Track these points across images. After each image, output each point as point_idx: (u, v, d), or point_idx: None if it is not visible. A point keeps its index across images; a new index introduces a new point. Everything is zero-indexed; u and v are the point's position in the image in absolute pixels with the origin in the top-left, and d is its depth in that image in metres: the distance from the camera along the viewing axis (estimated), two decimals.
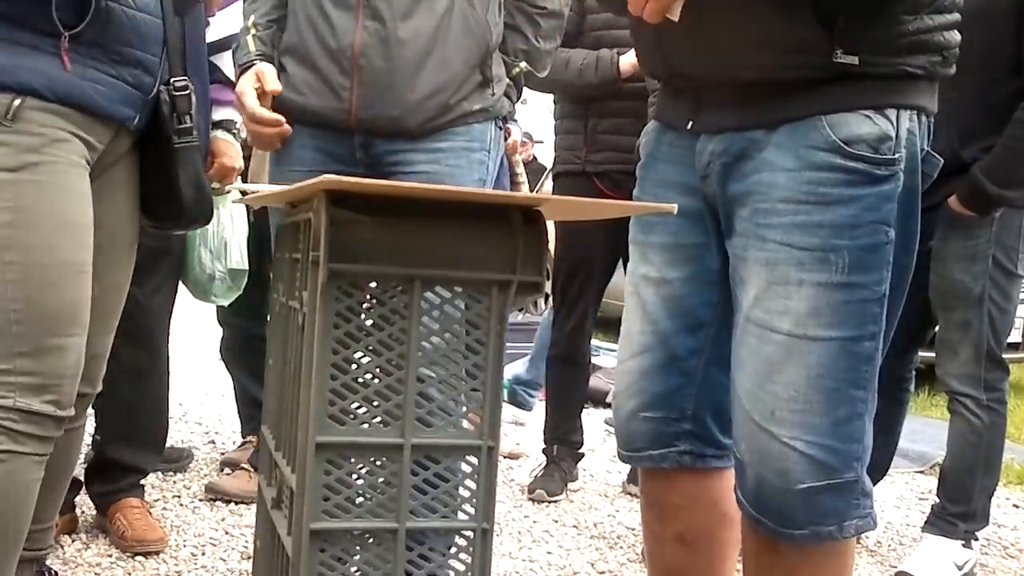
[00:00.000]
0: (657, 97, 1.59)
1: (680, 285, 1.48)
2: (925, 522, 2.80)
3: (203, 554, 2.44)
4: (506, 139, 3.65)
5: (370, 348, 1.23)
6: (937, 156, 1.40)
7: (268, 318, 1.61)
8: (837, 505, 1.34)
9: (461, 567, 1.27)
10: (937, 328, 2.82)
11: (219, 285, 2.56)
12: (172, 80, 1.72)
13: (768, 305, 1.34)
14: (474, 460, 1.26)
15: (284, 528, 1.30)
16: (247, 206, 2.57)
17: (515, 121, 3.33)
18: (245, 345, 3.00)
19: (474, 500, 1.26)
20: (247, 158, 2.60)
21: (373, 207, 1.19)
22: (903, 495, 3.55)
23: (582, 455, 3.41)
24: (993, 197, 2.54)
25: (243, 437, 3.15)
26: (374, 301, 1.23)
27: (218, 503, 2.81)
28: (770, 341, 1.34)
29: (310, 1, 1.93)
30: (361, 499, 1.24)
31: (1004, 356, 2.70)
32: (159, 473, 3.01)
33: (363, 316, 1.22)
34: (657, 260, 1.50)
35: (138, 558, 2.36)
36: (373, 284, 1.22)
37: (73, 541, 2.45)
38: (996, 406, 2.68)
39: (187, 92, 1.73)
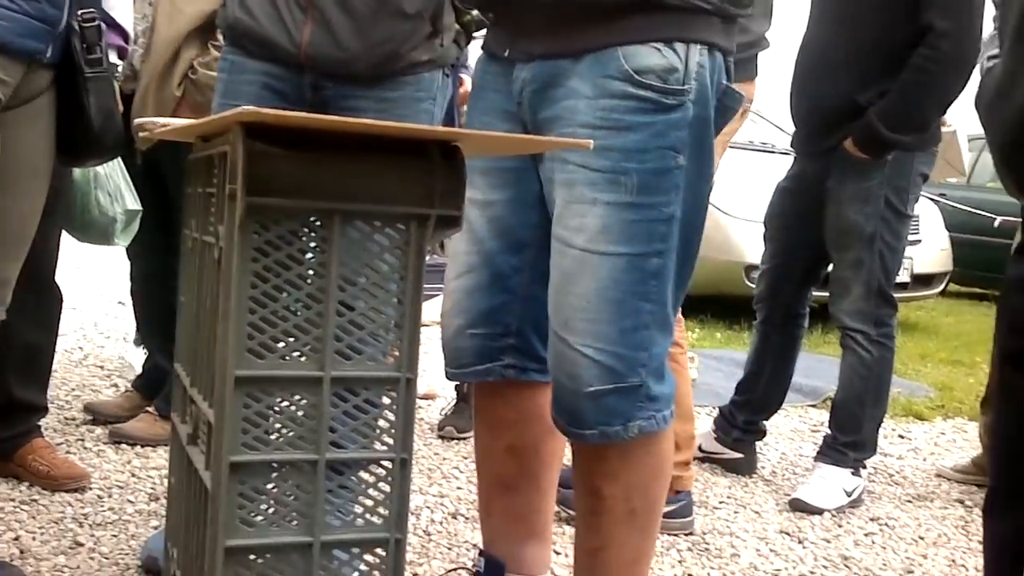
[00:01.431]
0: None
1: (502, 207, 1.57)
2: (817, 452, 2.94)
3: (110, 496, 2.40)
4: (459, 87, 3.61)
5: (289, 282, 1.23)
6: (739, 92, 1.50)
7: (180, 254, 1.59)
8: (622, 407, 1.44)
9: (380, 496, 1.29)
10: (830, 267, 2.94)
11: (119, 227, 2.53)
12: (80, 12, 1.72)
13: (567, 222, 1.44)
14: (393, 392, 1.28)
15: (202, 463, 1.30)
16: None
17: (467, 68, 3.27)
18: (152, 282, 2.96)
19: (393, 431, 1.28)
20: (129, 96, 2.59)
21: (291, 141, 1.18)
22: (796, 428, 3.71)
23: None
24: (887, 140, 2.64)
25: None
26: (293, 235, 1.22)
27: (123, 446, 2.77)
28: (567, 255, 1.44)
29: None
30: (277, 433, 1.25)
31: (893, 294, 2.84)
32: (61, 417, 2.95)
33: (281, 250, 1.22)
34: (481, 183, 1.57)
35: (42, 502, 2.32)
36: (291, 217, 1.22)
37: None
38: (885, 341, 2.82)
39: (95, 23, 1.75)
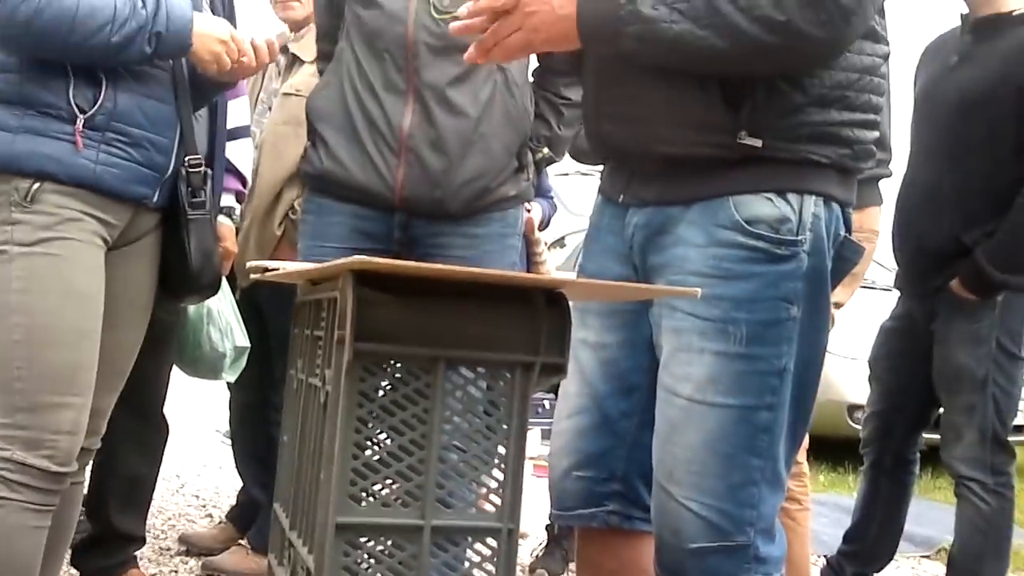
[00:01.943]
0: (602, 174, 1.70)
1: (616, 349, 1.54)
2: None
3: None
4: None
5: (392, 428, 1.22)
6: (859, 244, 1.48)
7: (284, 395, 1.60)
8: (727, 567, 1.38)
9: None
10: (941, 410, 2.82)
11: (227, 362, 2.60)
12: (187, 158, 1.82)
13: (674, 370, 1.42)
14: (493, 543, 1.25)
15: None
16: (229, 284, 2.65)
17: (548, 198, 3.33)
18: (250, 415, 3.01)
19: None
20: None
21: (398, 287, 1.20)
22: None
23: None
24: (996, 282, 2.56)
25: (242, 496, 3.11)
26: (398, 380, 1.23)
27: None
28: (673, 404, 1.41)
29: (357, 76, 1.99)
30: None
31: (1010, 439, 2.70)
32: (156, 547, 2.97)
33: (386, 396, 1.22)
34: (596, 325, 1.56)
35: None
36: (397, 364, 1.23)
37: None
38: (1003, 490, 2.66)
39: (200, 169, 1.84)
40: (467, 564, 1.25)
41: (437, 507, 1.22)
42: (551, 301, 1.26)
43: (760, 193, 1.39)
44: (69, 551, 2.42)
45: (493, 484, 1.26)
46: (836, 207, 1.44)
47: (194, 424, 5.18)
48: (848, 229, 1.47)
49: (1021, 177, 2.56)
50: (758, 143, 1.37)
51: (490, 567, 1.25)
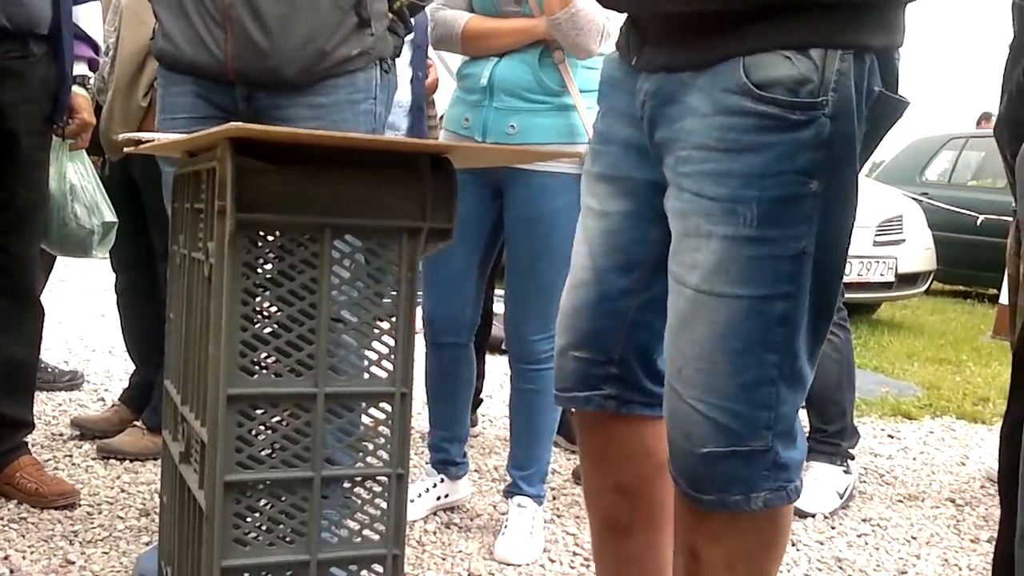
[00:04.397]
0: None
1: (619, 219, 1.39)
2: (808, 452, 2.94)
3: (99, 512, 2.38)
4: (426, 76, 3.56)
5: (280, 298, 1.22)
6: (900, 98, 1.27)
7: (167, 270, 1.57)
8: (743, 474, 1.26)
9: (376, 512, 1.28)
10: None
11: (96, 239, 2.55)
12: None
13: (681, 258, 1.27)
14: (388, 407, 1.27)
15: (195, 482, 1.29)
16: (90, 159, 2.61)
17: (423, 52, 3.23)
18: (135, 294, 2.97)
19: (388, 446, 1.27)
20: (98, 107, 2.63)
21: (278, 156, 1.17)
22: None
23: (481, 400, 3.45)
24: None
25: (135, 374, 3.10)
26: (283, 251, 1.21)
27: (112, 461, 2.75)
28: (681, 296, 1.27)
29: None
30: (267, 450, 1.24)
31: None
32: (48, 433, 2.92)
33: (272, 266, 1.21)
34: (600, 192, 1.41)
35: (31, 520, 2.30)
36: (281, 234, 1.21)
37: None
38: (845, 323, 2.90)
39: None
40: (362, 428, 1.27)
41: (329, 375, 1.24)
42: (437, 166, 1.26)
43: (777, 51, 1.19)
44: None
45: (385, 350, 1.27)
46: (870, 58, 1.22)
47: (80, 308, 5.05)
48: (889, 80, 1.24)
49: None
50: None
51: (385, 430, 1.27)
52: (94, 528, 2.28)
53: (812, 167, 1.20)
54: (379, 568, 1.28)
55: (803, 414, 3.90)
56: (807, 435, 2.92)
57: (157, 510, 2.38)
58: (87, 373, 3.65)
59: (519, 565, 2.26)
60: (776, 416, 1.25)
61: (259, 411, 1.23)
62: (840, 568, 2.39)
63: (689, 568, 1.35)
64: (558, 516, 2.60)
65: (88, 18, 2.39)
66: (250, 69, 1.86)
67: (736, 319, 1.23)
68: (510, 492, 2.44)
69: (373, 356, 1.27)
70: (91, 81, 2.50)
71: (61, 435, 2.96)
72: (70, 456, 2.78)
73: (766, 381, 1.24)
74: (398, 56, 2.05)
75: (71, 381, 3.50)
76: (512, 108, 2.31)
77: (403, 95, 3.17)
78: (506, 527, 2.36)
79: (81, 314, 4.95)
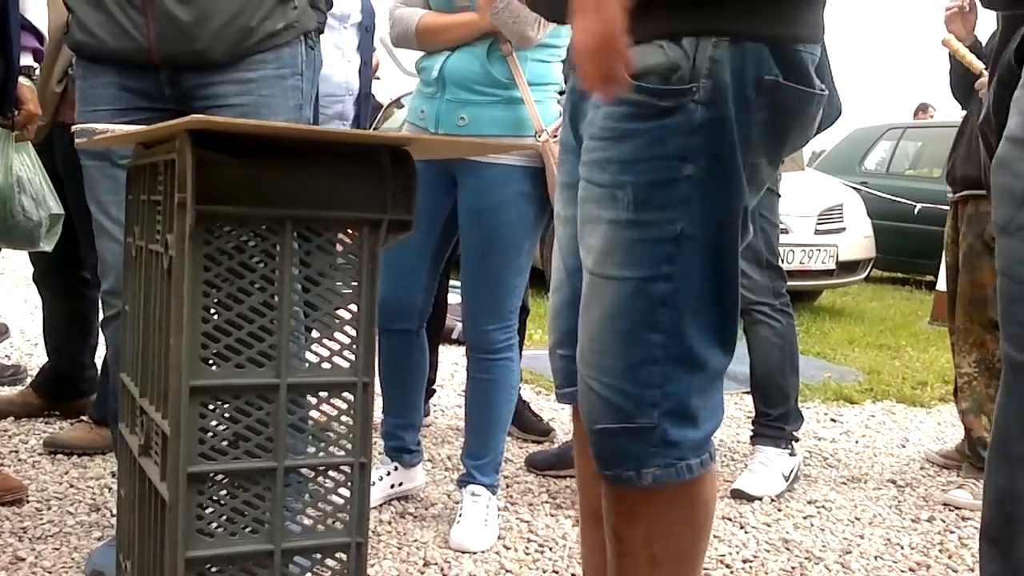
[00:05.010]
0: None
1: (574, 223, 1.43)
2: (752, 436, 3.01)
3: (48, 508, 2.35)
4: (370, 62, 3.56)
5: (241, 290, 1.22)
6: (810, 91, 1.28)
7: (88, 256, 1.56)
8: (632, 450, 1.30)
9: (339, 501, 1.29)
10: None
11: (43, 231, 2.51)
12: None
13: (584, 242, 1.33)
14: (350, 396, 1.28)
15: (156, 474, 1.29)
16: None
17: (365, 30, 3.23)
18: (59, 282, 2.96)
19: (351, 436, 1.28)
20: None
21: (238, 148, 1.17)
22: (732, 415, 3.79)
23: (434, 391, 3.46)
24: None
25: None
26: (244, 243, 1.22)
27: (59, 456, 2.71)
28: (584, 280, 1.33)
29: None
30: (226, 441, 1.24)
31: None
32: None
33: (233, 258, 1.21)
34: (564, 198, 1.48)
35: None
36: (242, 226, 1.21)
37: None
38: (787, 309, 2.98)
39: None
40: (326, 418, 1.28)
41: (292, 366, 1.24)
42: (396, 159, 1.27)
43: (652, 41, 1.24)
44: None
45: (347, 340, 1.28)
46: (757, 46, 1.23)
47: (19, 303, 4.95)
48: (790, 71, 1.25)
49: None
50: None
51: (347, 419, 1.28)
52: (43, 524, 2.26)
53: (686, 151, 1.24)
54: (342, 556, 1.29)
55: (748, 399, 3.99)
56: (753, 419, 3.01)
57: (108, 505, 2.36)
58: (29, 368, 3.59)
59: (475, 553, 2.29)
60: (663, 394, 1.29)
61: (222, 403, 1.23)
62: (787, 549, 2.45)
63: (614, 548, 1.39)
64: (512, 504, 2.63)
65: (34, 7, 2.35)
66: (176, 53, 1.83)
67: (623, 300, 1.28)
68: (464, 481, 2.46)
69: (335, 346, 1.28)
70: (36, 72, 2.45)
71: (6, 431, 2.91)
72: (16, 452, 2.74)
73: (650, 360, 1.28)
74: (322, 32, 2.03)
75: (14, 376, 3.45)
76: (462, 100, 2.33)
77: (352, 82, 3.16)
78: (461, 516, 2.39)
79: (20, 307, 4.86)
